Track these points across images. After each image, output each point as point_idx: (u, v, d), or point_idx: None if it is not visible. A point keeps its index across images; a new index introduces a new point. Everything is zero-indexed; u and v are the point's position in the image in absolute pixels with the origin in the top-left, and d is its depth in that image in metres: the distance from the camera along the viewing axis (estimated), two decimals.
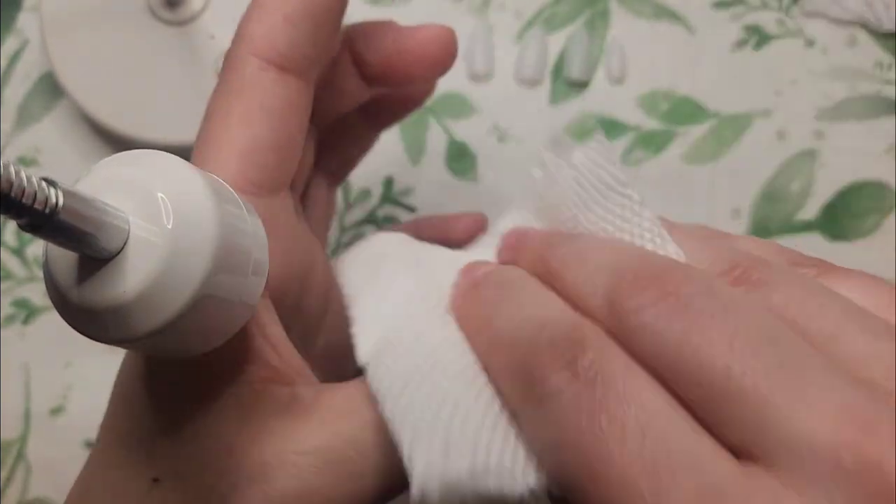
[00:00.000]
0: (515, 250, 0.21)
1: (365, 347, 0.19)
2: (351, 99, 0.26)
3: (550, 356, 0.15)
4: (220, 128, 0.21)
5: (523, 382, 0.16)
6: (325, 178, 0.28)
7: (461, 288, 0.20)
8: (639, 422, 0.14)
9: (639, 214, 0.19)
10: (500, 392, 0.17)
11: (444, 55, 0.25)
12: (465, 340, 0.19)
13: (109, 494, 0.19)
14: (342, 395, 0.19)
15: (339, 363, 0.28)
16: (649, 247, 0.18)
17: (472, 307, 0.19)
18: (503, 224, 0.24)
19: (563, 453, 0.15)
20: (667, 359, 0.15)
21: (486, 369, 0.18)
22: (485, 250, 0.23)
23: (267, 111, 0.20)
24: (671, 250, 0.18)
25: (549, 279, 0.19)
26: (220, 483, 0.18)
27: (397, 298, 0.21)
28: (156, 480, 0.18)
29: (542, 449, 0.16)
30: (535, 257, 0.20)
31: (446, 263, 0.22)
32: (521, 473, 0.15)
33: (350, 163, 0.30)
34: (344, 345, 0.28)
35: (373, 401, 0.18)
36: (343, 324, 0.29)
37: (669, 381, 0.15)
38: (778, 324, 0.15)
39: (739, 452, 0.14)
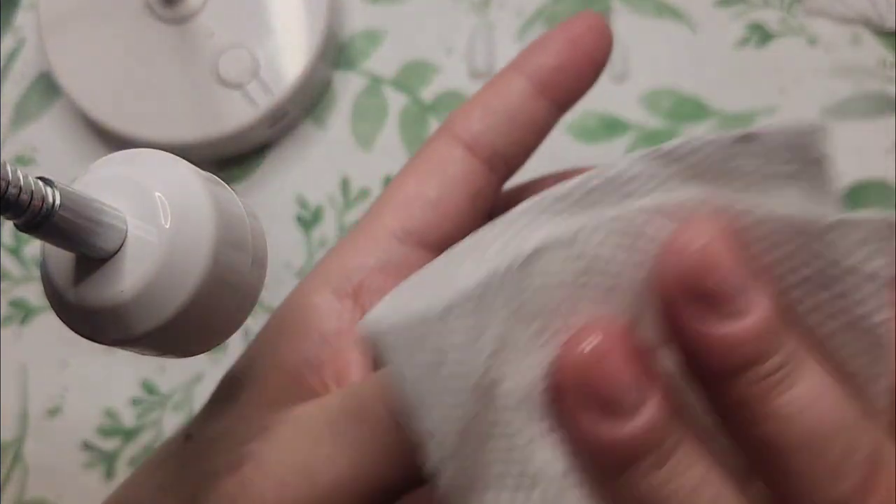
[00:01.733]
0: (712, 345, 0.15)
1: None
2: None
3: None
4: (397, 181, 0.23)
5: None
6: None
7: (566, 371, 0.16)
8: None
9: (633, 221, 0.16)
10: None
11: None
12: None
13: (155, 452, 0.21)
14: (370, 378, 0.19)
15: None
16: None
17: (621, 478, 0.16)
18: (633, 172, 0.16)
19: None
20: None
21: None
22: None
23: (440, 173, 0.23)
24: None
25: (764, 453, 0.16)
26: (227, 456, 0.19)
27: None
28: (188, 437, 0.20)
29: None
30: (746, 395, 0.16)
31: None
32: None
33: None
34: None
35: None
36: None
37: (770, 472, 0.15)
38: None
39: None
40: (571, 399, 0.15)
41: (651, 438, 0.15)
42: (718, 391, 0.16)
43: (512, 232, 0.16)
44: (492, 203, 0.24)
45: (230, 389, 0.21)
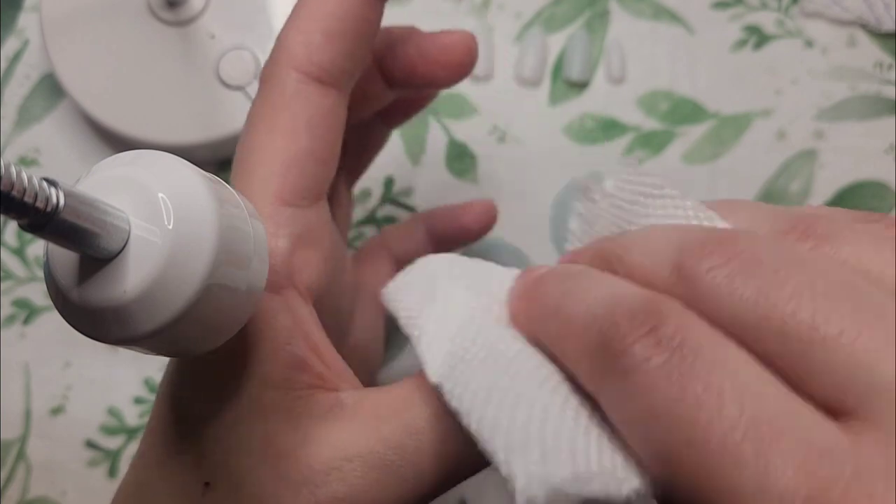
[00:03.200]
0: (572, 256, 0.20)
1: (434, 365, 0.18)
2: (374, 102, 0.27)
3: (629, 328, 0.15)
4: (265, 140, 0.21)
5: (602, 359, 0.15)
6: (344, 177, 0.29)
7: (520, 288, 0.20)
8: (734, 387, 0.14)
9: (682, 207, 0.19)
10: (577, 377, 0.17)
11: (465, 59, 0.25)
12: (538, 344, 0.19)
13: (164, 497, 0.20)
14: (384, 400, 0.19)
15: (365, 360, 0.31)
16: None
17: (535, 303, 0.19)
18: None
19: (656, 424, 0.14)
20: (745, 318, 0.15)
21: (561, 358, 0.17)
22: None
23: (310, 124, 0.21)
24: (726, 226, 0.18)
25: (612, 265, 0.18)
26: (271, 488, 0.19)
27: (459, 313, 0.20)
28: (207, 485, 0.19)
29: (631, 423, 0.15)
30: (593, 253, 0.19)
31: (500, 276, 0.21)
32: (623, 475, 0.15)
33: (366, 160, 0.30)
34: (369, 340, 0.29)
35: (444, 415, 0.18)
36: (369, 321, 0.30)
37: (750, 342, 0.15)
38: (851, 272, 0.15)
39: (831, 407, 0.14)
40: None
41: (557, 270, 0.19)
42: None
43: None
44: (345, 119, 0.23)
45: (226, 431, 0.19)
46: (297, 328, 0.20)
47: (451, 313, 0.20)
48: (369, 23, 0.22)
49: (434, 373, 0.18)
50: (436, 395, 0.18)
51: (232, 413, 0.19)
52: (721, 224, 0.18)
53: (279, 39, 0.22)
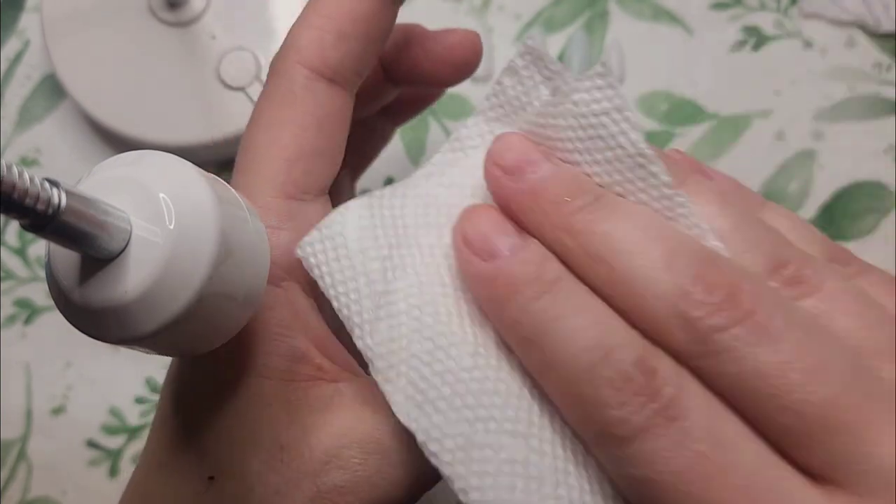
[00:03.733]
0: (525, 197, 0.18)
1: (397, 400, 0.18)
2: (378, 99, 0.27)
3: (625, 394, 0.15)
4: (271, 134, 0.21)
5: (597, 421, 0.16)
6: (348, 172, 0.29)
7: (479, 268, 0.18)
8: (729, 459, 0.15)
9: (668, 197, 0.18)
10: (562, 414, 0.17)
11: (470, 58, 0.26)
12: (516, 365, 0.18)
13: (169, 494, 0.20)
14: (369, 384, 0.20)
15: None
16: (688, 232, 0.18)
17: (508, 304, 0.18)
18: (470, 132, 0.22)
19: (654, 491, 0.15)
20: (747, 385, 0.15)
21: (544, 388, 0.17)
22: (467, 180, 0.21)
23: (316, 121, 0.21)
24: (712, 242, 0.18)
25: (592, 266, 0.17)
26: (274, 479, 0.19)
27: (406, 297, 0.19)
28: (211, 479, 0.19)
29: (628, 485, 0.16)
30: (562, 226, 0.18)
31: (439, 208, 0.21)
32: None
33: (369, 157, 0.30)
34: None
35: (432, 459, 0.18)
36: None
37: (748, 408, 0.15)
38: (851, 350, 0.16)
39: (819, 477, 0.15)
40: (462, 255, 0.19)
41: (529, 270, 0.17)
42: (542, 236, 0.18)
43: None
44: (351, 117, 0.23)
45: (226, 424, 0.20)
46: (296, 321, 0.20)
47: (397, 292, 0.19)
48: (382, 26, 0.22)
49: (401, 412, 0.18)
50: None
51: (233, 406, 0.19)
52: (710, 238, 0.18)
53: (290, 34, 0.22)
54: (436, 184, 0.21)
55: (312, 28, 0.21)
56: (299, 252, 0.20)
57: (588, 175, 0.19)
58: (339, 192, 0.28)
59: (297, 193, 0.21)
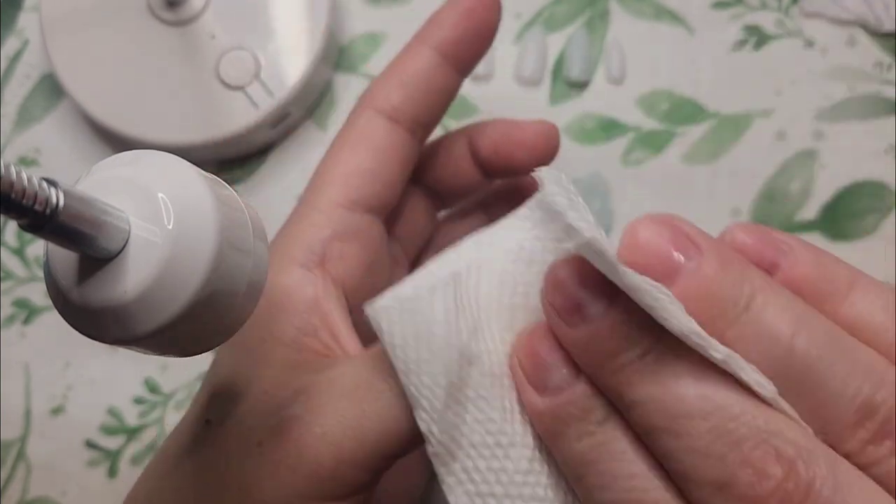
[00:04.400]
0: (576, 344, 0.18)
1: (454, 490, 0.18)
2: (467, 182, 0.30)
3: None
4: (335, 156, 0.26)
5: None
6: (425, 201, 0.31)
7: (530, 398, 0.18)
8: None
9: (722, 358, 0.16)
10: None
11: (549, 148, 0.29)
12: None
13: (175, 434, 0.23)
14: (373, 349, 0.21)
15: None
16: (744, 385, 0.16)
17: (555, 442, 0.18)
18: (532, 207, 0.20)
19: None
20: None
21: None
22: (537, 255, 0.20)
23: (372, 146, 0.25)
24: (767, 388, 0.16)
25: (638, 423, 0.17)
26: (249, 420, 0.21)
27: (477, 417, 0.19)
28: (208, 422, 0.22)
29: None
30: (611, 379, 0.17)
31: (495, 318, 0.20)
32: None
33: (458, 196, 0.32)
34: None
35: None
36: None
37: None
38: None
39: None
40: (518, 379, 0.19)
41: (573, 411, 0.17)
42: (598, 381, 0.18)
43: (471, 244, 0.20)
44: (414, 164, 0.27)
45: (233, 377, 0.22)
46: (317, 301, 0.23)
47: (469, 379, 0.19)
48: (441, 81, 0.27)
49: (453, 496, 0.18)
50: None
51: (245, 364, 0.22)
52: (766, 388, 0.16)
53: (367, 89, 0.27)
54: (509, 259, 0.20)
55: (382, 81, 0.26)
56: (369, 311, 0.19)
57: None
58: (413, 215, 0.30)
59: (346, 204, 0.24)
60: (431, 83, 0.26)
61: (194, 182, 0.15)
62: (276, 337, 0.22)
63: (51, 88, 0.39)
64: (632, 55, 0.38)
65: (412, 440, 0.20)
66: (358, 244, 0.25)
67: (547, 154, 0.29)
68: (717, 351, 0.16)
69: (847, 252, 0.35)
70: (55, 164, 0.38)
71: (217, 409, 0.22)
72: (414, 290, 0.19)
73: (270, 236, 0.20)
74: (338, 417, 0.20)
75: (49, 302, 0.37)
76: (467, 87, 0.38)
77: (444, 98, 0.27)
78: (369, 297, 0.21)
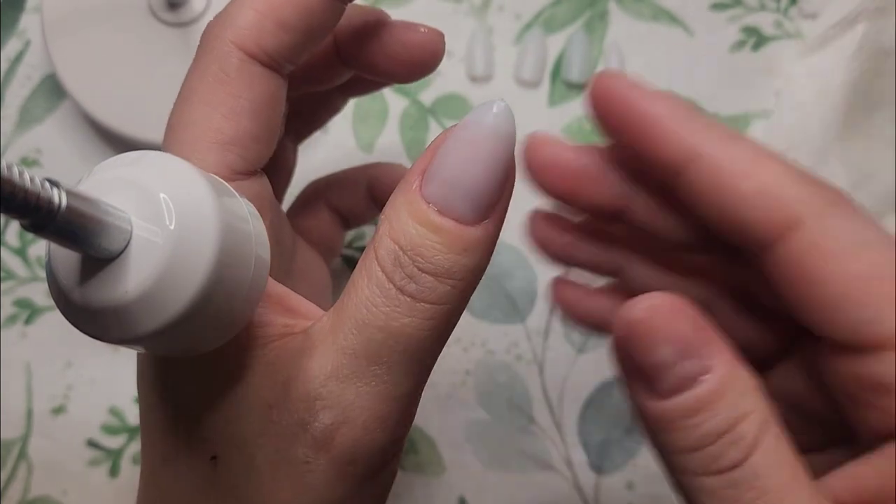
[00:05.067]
0: None
1: None
2: (330, 79, 0.26)
3: None
4: (204, 114, 0.21)
5: None
6: (290, 137, 0.29)
7: None
8: None
9: None
10: None
11: (428, 61, 0.25)
12: None
13: (180, 484, 0.20)
14: (336, 309, 0.19)
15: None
16: None
17: None
18: None
19: None
20: None
21: None
22: None
23: (252, 106, 0.21)
24: None
25: None
26: (270, 441, 0.19)
27: None
28: (214, 458, 0.19)
29: None
30: None
31: None
32: None
33: (317, 124, 0.30)
34: (315, 295, 0.27)
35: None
36: (313, 276, 0.30)
37: None
38: None
39: None
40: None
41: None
42: None
43: None
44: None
45: (218, 401, 0.19)
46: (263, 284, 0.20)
47: None
48: (326, 22, 0.22)
49: None
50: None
51: (219, 383, 0.19)
52: None
53: (227, 8, 0.21)
54: None
55: (253, 10, 0.21)
56: None
57: None
58: (280, 156, 0.28)
59: (231, 175, 0.21)
60: (316, 23, 0.22)
61: (196, 182, 0.15)
62: (240, 344, 0.19)
63: (52, 89, 0.39)
64: (631, 56, 0.38)
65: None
66: (261, 212, 0.20)
67: (429, 66, 0.25)
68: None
69: None
70: (56, 164, 0.38)
71: (216, 442, 0.19)
72: None
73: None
74: (364, 411, 0.18)
75: (50, 302, 0.37)
76: (467, 88, 0.38)
77: (325, 35, 0.22)
78: (277, 257, 0.20)
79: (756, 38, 0.38)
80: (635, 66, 0.38)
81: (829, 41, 0.36)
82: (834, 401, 0.21)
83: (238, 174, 0.21)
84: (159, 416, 0.20)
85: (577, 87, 0.38)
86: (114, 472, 0.36)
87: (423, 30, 0.25)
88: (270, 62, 0.21)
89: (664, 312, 0.17)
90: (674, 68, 0.38)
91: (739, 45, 0.38)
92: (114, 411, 0.36)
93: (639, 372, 0.18)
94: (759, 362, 0.23)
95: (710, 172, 0.20)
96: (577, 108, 0.38)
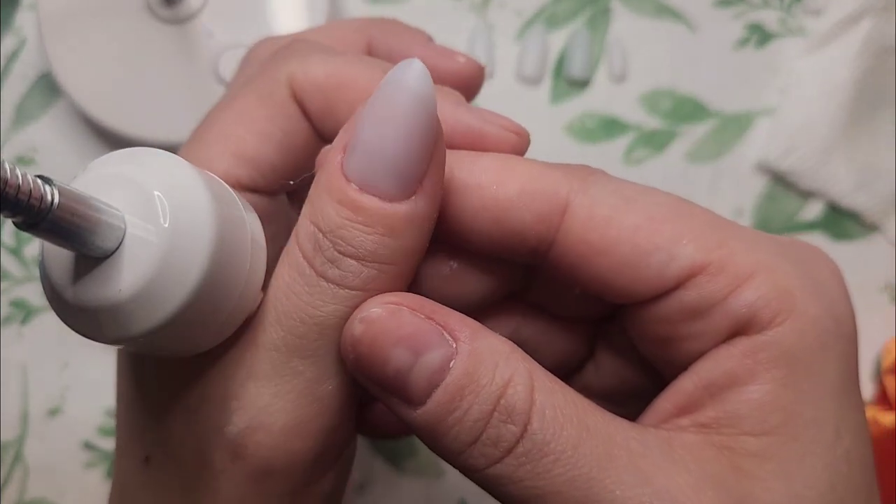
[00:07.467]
0: None
1: None
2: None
3: None
4: (236, 123, 0.21)
5: None
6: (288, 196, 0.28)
7: None
8: None
9: None
10: None
11: (463, 92, 0.24)
12: None
13: (117, 476, 0.21)
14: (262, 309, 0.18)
15: None
16: None
17: None
18: None
19: None
20: None
21: None
22: None
23: (282, 135, 0.21)
24: None
25: None
26: (191, 440, 0.18)
27: None
28: (147, 459, 0.19)
29: None
30: None
31: None
32: None
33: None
34: None
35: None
36: None
37: None
38: None
39: None
40: None
41: None
42: None
43: None
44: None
45: (157, 401, 0.19)
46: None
47: None
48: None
49: None
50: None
51: (167, 384, 0.19)
52: None
53: (299, 50, 0.22)
54: None
55: (324, 74, 0.21)
56: None
57: None
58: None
59: (235, 186, 0.21)
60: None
61: (191, 180, 0.15)
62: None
63: (48, 87, 0.39)
64: (633, 53, 0.38)
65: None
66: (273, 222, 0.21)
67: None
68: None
69: (849, 251, 0.35)
70: (52, 162, 0.38)
71: (154, 446, 0.19)
72: None
73: None
74: (287, 416, 0.18)
75: (46, 303, 0.36)
76: None
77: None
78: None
79: (760, 35, 0.38)
80: (637, 64, 0.38)
81: (833, 38, 0.36)
82: (652, 369, 0.20)
83: (233, 187, 0.21)
84: (123, 414, 0.21)
85: (578, 85, 0.38)
86: (110, 474, 0.35)
87: (461, 59, 0.24)
88: (310, 119, 0.21)
89: (384, 318, 0.16)
90: (677, 66, 0.38)
91: (743, 42, 0.38)
92: (110, 413, 0.36)
93: (386, 387, 0.16)
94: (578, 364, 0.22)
95: (470, 198, 0.19)
96: (578, 106, 0.38)
